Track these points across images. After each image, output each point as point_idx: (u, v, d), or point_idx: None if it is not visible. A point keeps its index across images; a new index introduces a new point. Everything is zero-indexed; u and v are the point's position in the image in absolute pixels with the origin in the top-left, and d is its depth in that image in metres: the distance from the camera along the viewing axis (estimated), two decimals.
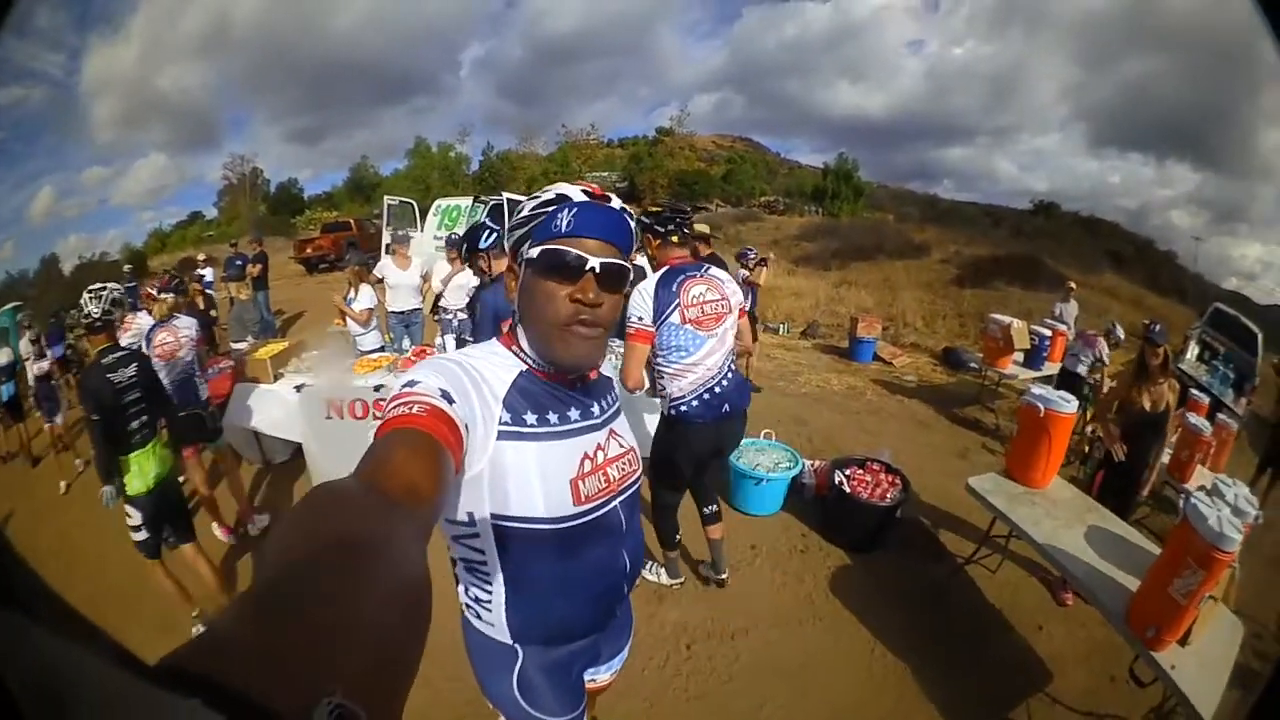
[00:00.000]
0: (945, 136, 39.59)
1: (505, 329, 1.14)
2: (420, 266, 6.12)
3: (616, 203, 1.06)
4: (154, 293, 3.83)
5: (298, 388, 4.36)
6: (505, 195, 10.52)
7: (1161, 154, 30.69)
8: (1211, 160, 29.07)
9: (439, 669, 2.56)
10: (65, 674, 0.23)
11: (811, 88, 41.17)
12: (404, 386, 0.89)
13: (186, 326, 3.78)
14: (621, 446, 1.21)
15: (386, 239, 11.20)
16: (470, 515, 1.03)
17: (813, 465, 4.57)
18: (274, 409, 4.44)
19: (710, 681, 2.83)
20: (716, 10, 45.08)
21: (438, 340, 5.12)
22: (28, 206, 25.29)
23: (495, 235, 3.43)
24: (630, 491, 1.22)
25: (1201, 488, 2.50)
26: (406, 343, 5.78)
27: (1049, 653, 3.16)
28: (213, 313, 7.48)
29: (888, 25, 39.18)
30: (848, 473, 4.10)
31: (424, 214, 12.32)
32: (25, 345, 6.35)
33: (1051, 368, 7.06)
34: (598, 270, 0.99)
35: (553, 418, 1.07)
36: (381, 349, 5.38)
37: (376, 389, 4.22)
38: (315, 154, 41.26)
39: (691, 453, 2.86)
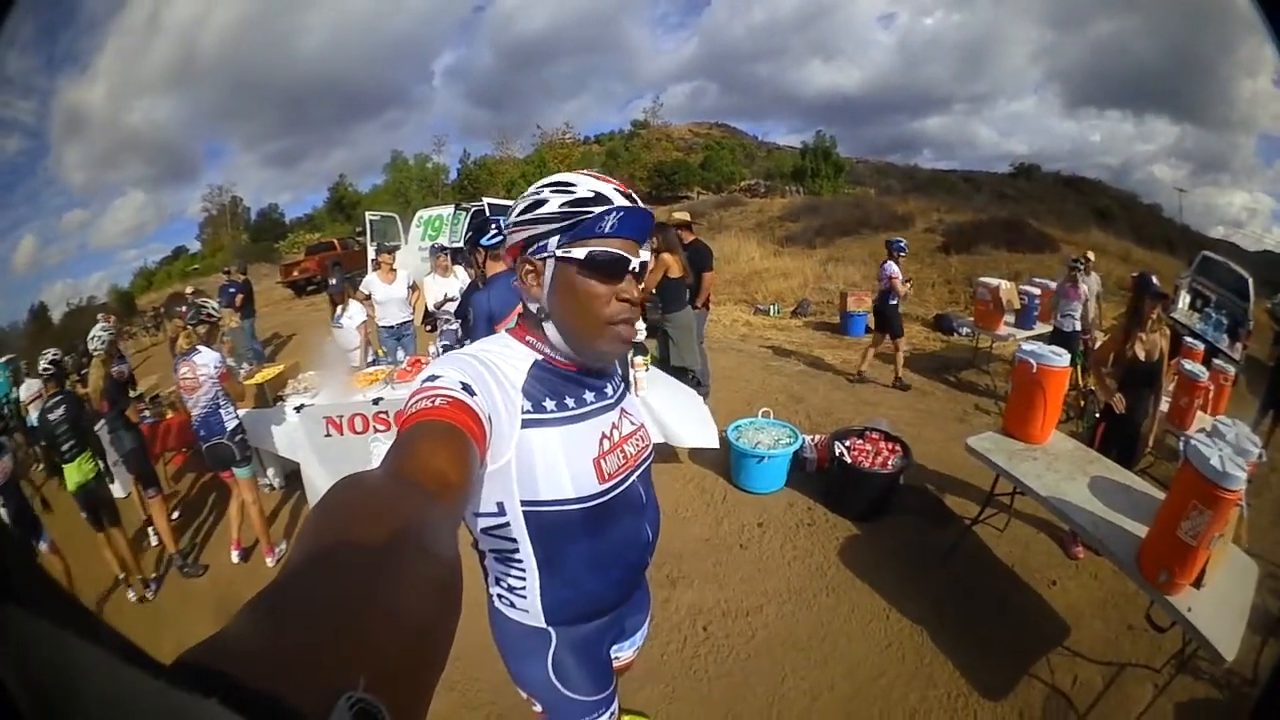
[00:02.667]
0: (921, 107, 39.53)
1: (514, 322, 1.16)
2: (406, 278, 6.12)
3: (638, 202, 1.09)
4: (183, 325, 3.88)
5: (297, 408, 4.37)
6: (486, 200, 10.52)
7: (1140, 109, 30.59)
8: (1190, 113, 29.05)
9: (460, 671, 2.61)
10: (70, 672, 0.23)
11: (784, 69, 41.04)
12: (425, 382, 0.91)
13: (205, 362, 3.78)
14: (633, 424, 1.25)
15: (372, 254, 11.19)
16: (500, 505, 1.06)
17: (813, 440, 4.60)
18: (271, 431, 4.45)
19: (730, 660, 2.86)
20: (683, 1, 44.95)
21: (431, 349, 5.12)
22: (9, 258, 25.04)
23: (501, 237, 3.43)
24: (646, 465, 1.26)
25: (1201, 430, 2.52)
26: (401, 355, 5.78)
27: (1064, 606, 3.19)
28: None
29: (857, 1, 39.13)
30: (848, 444, 4.13)
31: (407, 227, 12.31)
32: (25, 391, 6.56)
33: (1043, 328, 7.10)
34: (637, 270, 1.06)
35: (570, 402, 1.10)
36: (375, 362, 5.40)
37: (375, 402, 4.24)
38: (294, 176, 41.11)
39: None
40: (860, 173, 28.44)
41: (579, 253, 1.01)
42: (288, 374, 5.06)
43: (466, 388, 0.91)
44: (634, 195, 1.08)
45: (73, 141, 28.33)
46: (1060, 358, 3.32)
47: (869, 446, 4.12)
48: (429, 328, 5.84)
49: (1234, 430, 2.39)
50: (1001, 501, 3.53)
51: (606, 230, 1.01)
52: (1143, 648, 2.82)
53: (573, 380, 1.12)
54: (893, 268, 6.58)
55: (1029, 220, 17.73)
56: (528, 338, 1.12)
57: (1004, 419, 3.66)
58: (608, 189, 1.04)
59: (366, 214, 13.12)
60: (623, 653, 1.48)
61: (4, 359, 8.31)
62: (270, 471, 4.83)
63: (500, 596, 1.22)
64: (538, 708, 1.32)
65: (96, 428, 4.00)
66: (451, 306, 5.26)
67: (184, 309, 4.15)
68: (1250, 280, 9.37)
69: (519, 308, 1.17)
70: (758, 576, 3.44)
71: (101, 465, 3.86)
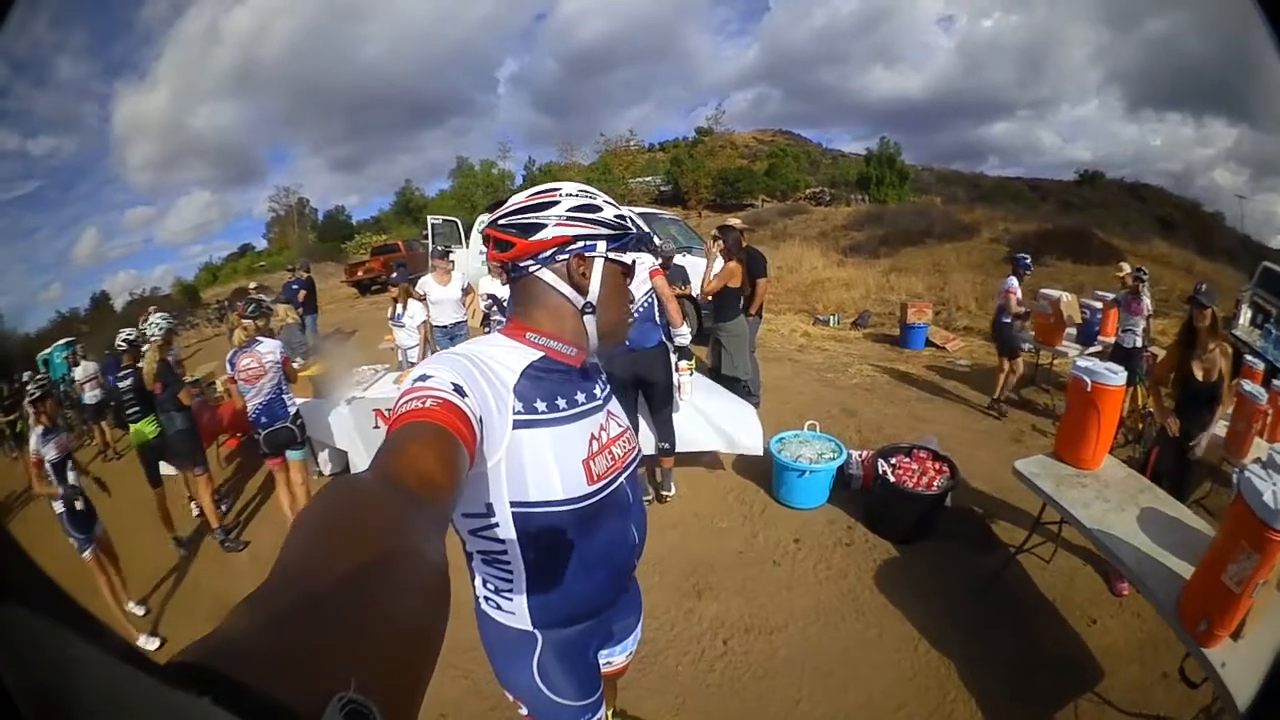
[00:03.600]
0: (985, 113, 38.34)
1: (513, 322, 1.18)
2: (462, 280, 6.26)
3: None
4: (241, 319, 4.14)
5: (348, 400, 4.56)
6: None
7: (1198, 111, 29.10)
8: (1246, 114, 27.46)
9: (473, 660, 2.62)
10: (68, 671, 0.23)
11: (846, 75, 40.33)
12: (415, 381, 0.92)
13: (269, 350, 4.02)
14: (620, 426, 1.26)
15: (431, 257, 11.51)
16: (489, 506, 1.06)
17: (860, 456, 4.46)
18: (322, 421, 4.66)
19: (746, 677, 2.81)
20: (743, 6, 44.70)
21: None
22: (71, 250, 26.52)
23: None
24: (633, 467, 1.27)
25: (1258, 460, 2.32)
26: None
27: (1101, 648, 3.01)
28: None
29: (917, 3, 38.20)
30: (893, 461, 4.01)
31: (469, 230, 12.59)
32: (80, 373, 7.07)
33: (1107, 343, 6.72)
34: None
35: (561, 403, 1.11)
36: None
37: None
38: (360, 180, 42.14)
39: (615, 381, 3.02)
40: (925, 180, 27.76)
41: (627, 259, 1.18)
42: (332, 371, 5.27)
43: (458, 388, 0.91)
44: None
45: (135, 143, 29.71)
46: (1116, 375, 3.12)
47: (915, 465, 3.98)
48: (485, 329, 5.97)
49: None
50: (1049, 530, 3.35)
51: (629, 245, 1.18)
52: (1174, 699, 2.63)
53: (567, 380, 1.14)
54: (1013, 283, 6.25)
55: (1095, 230, 17.04)
56: (529, 334, 1.13)
57: (1056, 441, 3.47)
58: (627, 215, 1.21)
59: (429, 217, 13.52)
60: (614, 658, 1.48)
61: (64, 342, 8.89)
62: (322, 456, 5.03)
63: (487, 598, 1.23)
64: (524, 710, 1.32)
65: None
66: (498, 306, 5.37)
67: (241, 304, 4.38)
68: None
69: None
70: (786, 594, 3.36)
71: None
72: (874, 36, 38.87)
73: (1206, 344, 3.29)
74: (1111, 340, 6.25)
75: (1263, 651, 2.10)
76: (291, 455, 4.15)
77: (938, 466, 3.97)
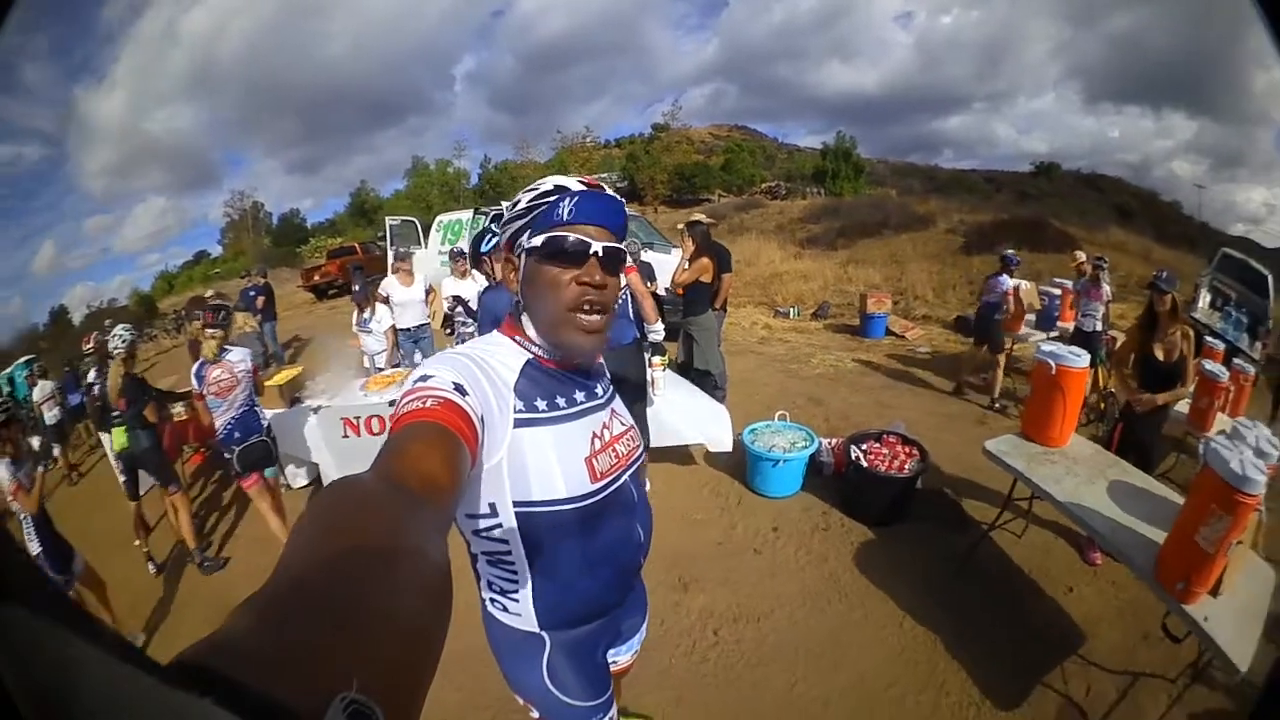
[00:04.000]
0: (941, 106, 39.38)
1: (507, 321, 1.17)
2: (424, 282, 6.18)
3: (609, 190, 1.10)
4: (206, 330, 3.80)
5: (315, 409, 4.44)
6: (505, 204, 10.56)
7: (1157, 104, 30.34)
8: (1207, 106, 28.71)
9: (467, 672, 2.60)
10: (69, 672, 0.23)
11: (803, 70, 41.11)
12: (417, 382, 0.91)
13: (240, 359, 3.76)
14: (623, 424, 1.25)
15: (391, 259, 11.32)
16: (492, 506, 1.05)
17: (830, 443, 4.55)
18: (290, 431, 4.52)
19: (740, 665, 2.83)
20: (702, 2, 45.05)
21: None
22: (31, 261, 25.66)
23: (496, 239, 3.47)
24: (637, 465, 1.26)
25: (1221, 432, 2.45)
26: (419, 357, 5.84)
27: (1081, 614, 3.13)
28: None
29: (875, 1, 38.90)
30: (864, 447, 4.08)
31: (427, 231, 12.41)
32: (38, 393, 6.76)
33: (1066, 328, 6.97)
34: (600, 254, 1.04)
35: (561, 401, 1.10)
36: (397, 365, 5.46)
37: (392, 404, 4.27)
38: (315, 182, 41.64)
39: None
40: (881, 173, 28.33)
41: (538, 241, 1.04)
42: (305, 376, 5.14)
43: (459, 388, 0.91)
44: (603, 185, 1.10)
45: (92, 149, 29.07)
46: (1080, 358, 3.24)
47: (886, 450, 4.07)
48: (448, 331, 5.90)
49: (1254, 432, 2.30)
50: (1019, 506, 3.46)
51: (565, 217, 1.04)
52: (1158, 657, 2.76)
53: (563, 379, 1.12)
54: (1008, 281, 6.42)
55: (1050, 220, 17.55)
56: (516, 336, 1.13)
57: (1022, 422, 3.58)
58: (569, 181, 1.08)
59: (386, 219, 13.30)
60: (620, 656, 1.48)
61: (23, 360, 8.51)
62: (290, 470, 4.88)
63: (493, 600, 1.21)
64: (535, 714, 1.31)
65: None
66: (464, 307, 5.32)
67: (207, 312, 4.15)
68: (1270, 278, 9.11)
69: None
70: (770, 581, 3.41)
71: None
72: (832, 32, 39.69)
73: (1167, 327, 3.42)
74: (1069, 325, 6.47)
75: (1241, 604, 2.23)
76: (271, 473, 3.95)
77: (908, 450, 4.06)
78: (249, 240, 28.80)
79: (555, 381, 1.11)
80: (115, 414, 4.04)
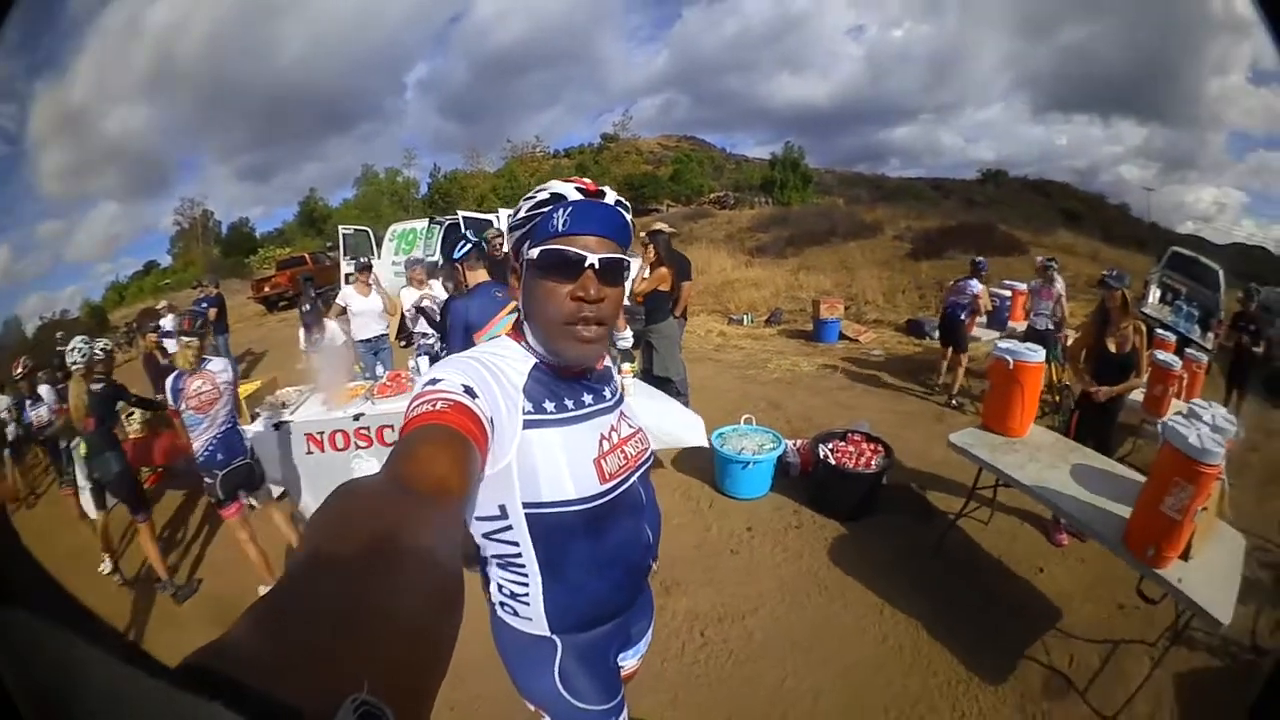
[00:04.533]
0: (889, 118, 40.39)
1: (497, 329, 1.17)
2: (382, 293, 6.07)
3: (611, 197, 1.07)
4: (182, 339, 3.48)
5: (276, 425, 4.30)
6: (460, 213, 10.49)
7: (1106, 112, 31.54)
8: (1157, 113, 30.03)
9: (461, 690, 2.57)
10: (72, 674, 0.23)
11: (753, 82, 41.80)
12: (426, 385, 0.91)
13: (221, 369, 3.45)
14: (631, 426, 1.25)
15: (347, 269, 11.07)
16: (502, 508, 1.06)
17: (795, 445, 4.65)
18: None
19: (729, 664, 2.87)
20: (656, 13, 45.56)
21: (410, 363, 5.08)
22: None
23: (469, 246, 3.43)
24: (646, 467, 1.26)
25: (1178, 413, 2.62)
26: (380, 369, 5.73)
27: (1054, 591, 3.29)
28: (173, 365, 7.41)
29: (827, 13, 39.88)
30: (830, 446, 4.19)
31: (379, 241, 12.21)
32: None
33: (1015, 327, 7.27)
34: (597, 266, 1.01)
35: (569, 403, 1.10)
36: (358, 379, 5.34)
37: (356, 418, 4.18)
38: (265, 190, 41.04)
39: None
40: (828, 183, 28.98)
41: (534, 253, 1.03)
42: (265, 390, 4.99)
43: (468, 390, 0.91)
44: (604, 191, 1.07)
45: (49, 148, 27.90)
46: (1035, 353, 3.42)
47: (851, 448, 4.18)
48: (403, 343, 5.80)
49: (1210, 411, 2.47)
50: (983, 495, 3.62)
51: (559, 228, 1.01)
52: (1135, 624, 2.91)
53: (571, 382, 1.13)
54: (977, 285, 6.70)
55: (997, 224, 18.17)
56: (522, 341, 1.13)
57: (983, 416, 3.75)
58: (567, 188, 1.05)
59: (339, 228, 13.04)
60: (627, 661, 1.48)
61: None
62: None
63: (502, 604, 1.21)
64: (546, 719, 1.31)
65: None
66: (424, 316, 5.24)
67: (185, 319, 3.70)
68: (1220, 272, 9.68)
69: (499, 315, 1.19)
70: (750, 580, 3.46)
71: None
72: (783, 45, 40.37)
73: (1119, 321, 3.62)
74: (1018, 325, 6.76)
75: (1215, 567, 2.40)
76: (254, 498, 3.67)
77: (873, 447, 4.19)
78: (198, 250, 28.06)
79: (563, 384, 1.11)
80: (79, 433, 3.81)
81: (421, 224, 11.77)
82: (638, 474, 1.22)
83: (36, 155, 27.41)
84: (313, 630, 0.32)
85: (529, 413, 1.04)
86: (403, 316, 5.72)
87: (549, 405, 1.07)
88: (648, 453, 1.28)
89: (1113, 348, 3.62)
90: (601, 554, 1.16)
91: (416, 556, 0.43)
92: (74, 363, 3.69)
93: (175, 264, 27.87)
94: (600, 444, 1.14)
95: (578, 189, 1.05)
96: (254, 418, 4.53)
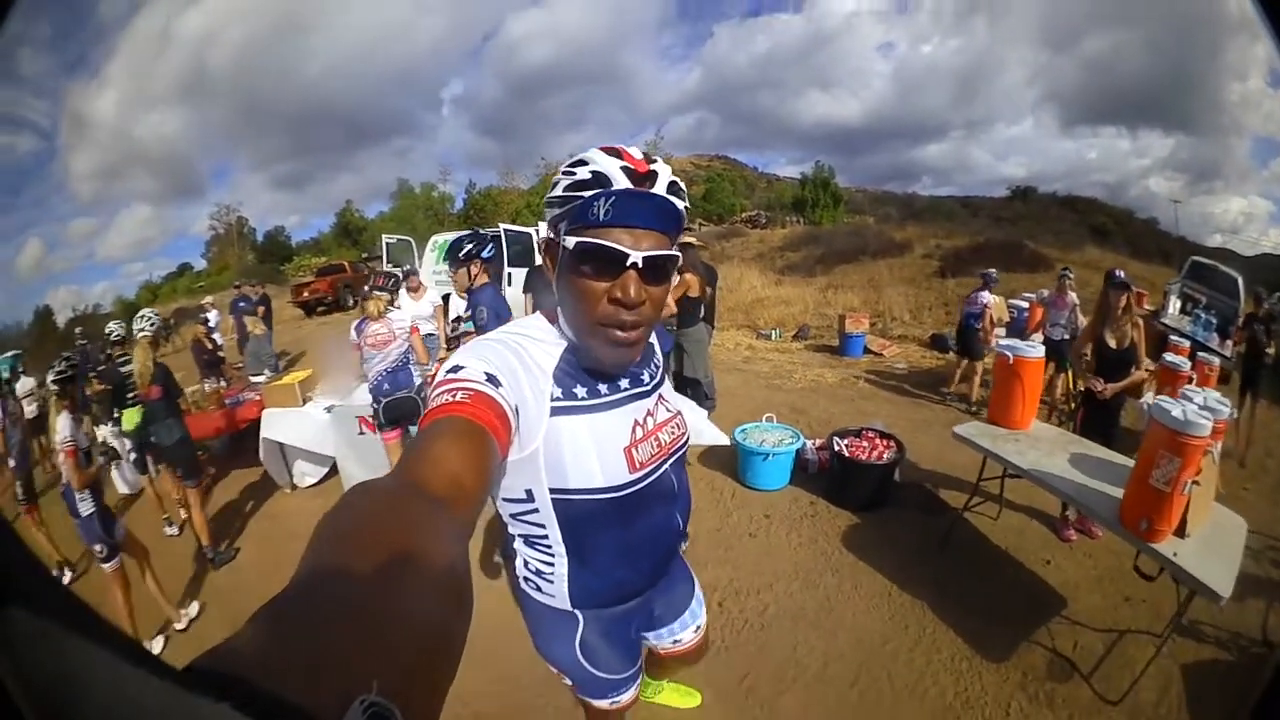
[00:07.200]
0: (919, 135, 40.40)
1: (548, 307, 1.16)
2: (435, 297, 6.33)
3: (662, 182, 0.95)
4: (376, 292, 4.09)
5: (328, 408, 4.65)
6: (502, 226, 10.83)
7: (1133, 124, 31.21)
8: (1182, 123, 29.61)
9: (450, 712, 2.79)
10: (74, 675, 0.23)
11: (784, 100, 42.05)
12: (448, 372, 0.88)
13: (400, 320, 4.06)
14: (669, 411, 1.21)
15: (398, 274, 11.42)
16: (529, 492, 1.05)
17: (814, 443, 4.86)
18: (306, 429, 4.72)
19: (744, 632, 3.07)
20: (688, 32, 46.05)
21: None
22: (15, 259, 25.21)
23: (472, 248, 3.62)
24: (680, 454, 1.23)
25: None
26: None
27: (1060, 582, 3.39)
28: (220, 352, 7.92)
29: (858, 31, 39.91)
30: (845, 442, 4.41)
31: (420, 251, 12.65)
32: (20, 387, 6.80)
33: (1035, 338, 7.37)
34: (640, 265, 0.91)
35: (603, 388, 1.06)
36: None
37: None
38: (301, 200, 41.63)
39: None
40: (859, 202, 29.03)
41: (570, 243, 0.93)
42: (314, 379, 5.34)
43: (491, 378, 0.88)
44: (653, 173, 0.95)
45: (82, 149, 28.69)
46: (1034, 349, 3.59)
47: (865, 443, 4.40)
48: (451, 348, 6.09)
49: (1202, 395, 2.56)
50: (989, 491, 3.77)
51: (600, 218, 0.90)
52: (1143, 616, 3.00)
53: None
54: (987, 296, 7.08)
55: (1025, 241, 18.03)
56: (557, 323, 1.08)
57: (989, 410, 3.91)
58: (612, 168, 0.93)
59: (383, 236, 13.51)
60: (681, 635, 1.55)
61: (9, 354, 8.53)
62: (297, 469, 5.07)
63: (527, 579, 1.23)
64: (567, 681, 1.38)
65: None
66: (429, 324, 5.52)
67: (378, 276, 4.32)
68: (1240, 279, 9.61)
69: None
70: (766, 560, 3.67)
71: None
72: (813, 62, 40.50)
73: (1118, 317, 3.73)
74: (1038, 336, 6.87)
75: (1212, 545, 2.46)
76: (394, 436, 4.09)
77: (885, 443, 4.39)
78: (233, 255, 28.75)
79: (594, 369, 1.06)
80: (132, 396, 4.13)
81: (463, 236, 12.13)
82: (670, 461, 1.19)
83: (68, 154, 28.28)
84: (321, 632, 0.32)
85: (558, 399, 1.00)
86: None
87: (580, 391, 1.03)
88: (683, 439, 1.24)
89: (1112, 343, 3.73)
90: (630, 541, 1.15)
91: (425, 559, 0.42)
92: (141, 330, 3.99)
93: (210, 267, 28.64)
94: (633, 431, 1.10)
95: (624, 169, 0.92)
96: (306, 401, 4.90)
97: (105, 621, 0.26)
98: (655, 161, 0.97)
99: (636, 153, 0.96)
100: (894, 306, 13.40)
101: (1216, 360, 5.24)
